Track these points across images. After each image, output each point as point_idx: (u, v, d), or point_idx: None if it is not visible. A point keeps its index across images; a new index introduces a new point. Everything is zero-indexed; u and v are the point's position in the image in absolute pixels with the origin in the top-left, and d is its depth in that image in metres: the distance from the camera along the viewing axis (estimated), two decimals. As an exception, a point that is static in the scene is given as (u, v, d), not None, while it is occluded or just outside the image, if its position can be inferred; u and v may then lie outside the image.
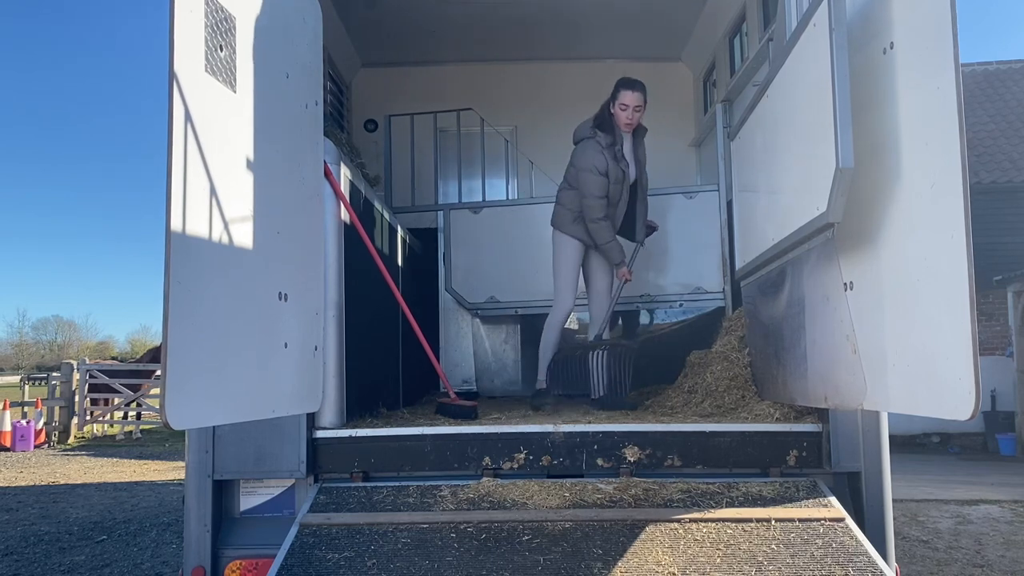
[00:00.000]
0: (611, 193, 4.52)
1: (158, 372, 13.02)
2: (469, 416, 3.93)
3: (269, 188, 2.82)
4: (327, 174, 3.37)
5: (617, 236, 4.62)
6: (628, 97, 4.46)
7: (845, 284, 2.72)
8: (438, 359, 5.15)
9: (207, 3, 2.47)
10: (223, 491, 3.26)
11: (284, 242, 2.92)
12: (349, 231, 3.59)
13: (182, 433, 3.30)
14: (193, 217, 2.32)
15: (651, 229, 4.93)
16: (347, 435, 3.32)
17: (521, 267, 5.61)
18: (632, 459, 3.24)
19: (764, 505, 3.00)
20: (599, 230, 4.50)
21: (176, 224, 2.23)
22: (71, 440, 15.25)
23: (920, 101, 2.25)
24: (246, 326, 2.61)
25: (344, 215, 3.52)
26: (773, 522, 2.88)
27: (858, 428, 3.15)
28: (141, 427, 16.34)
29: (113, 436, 16.19)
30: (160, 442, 15.16)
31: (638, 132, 4.67)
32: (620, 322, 6.09)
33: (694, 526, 2.89)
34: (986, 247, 12.10)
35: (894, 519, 3.45)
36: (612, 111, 4.53)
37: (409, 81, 6.90)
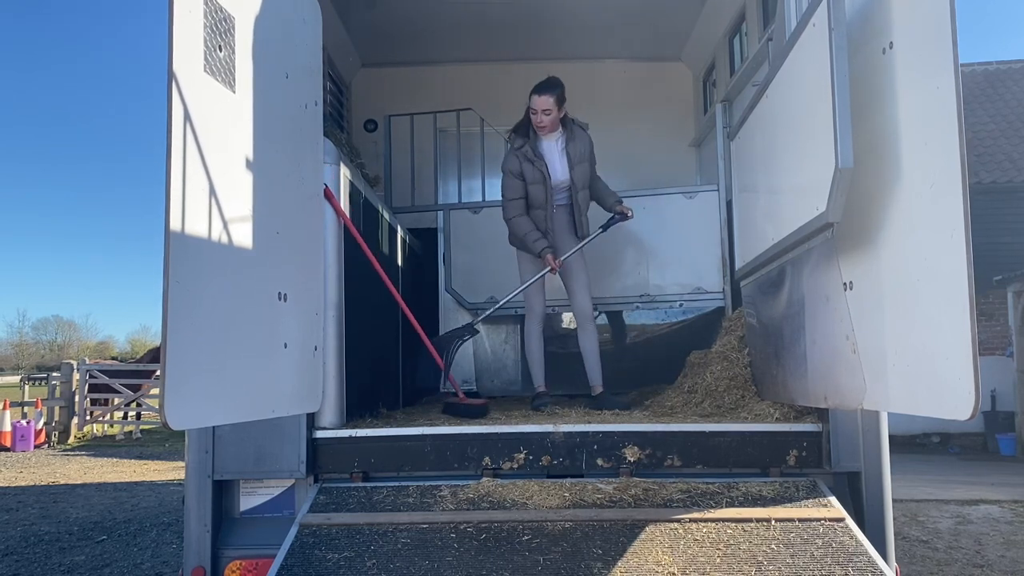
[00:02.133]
0: (532, 194, 4.58)
1: (158, 372, 13.02)
2: (479, 415, 3.91)
3: (269, 188, 2.82)
4: (327, 195, 3.35)
5: (537, 229, 4.53)
6: (534, 101, 4.56)
7: (845, 284, 2.72)
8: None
9: (206, 3, 2.47)
10: (223, 491, 3.26)
11: (284, 242, 2.92)
12: (349, 231, 3.59)
13: (182, 433, 3.29)
14: (192, 217, 2.32)
15: (621, 217, 4.68)
16: (347, 435, 3.31)
17: (521, 267, 5.61)
18: (632, 459, 3.24)
19: (764, 505, 3.00)
20: (512, 227, 4.64)
21: (175, 224, 2.23)
22: (71, 440, 15.25)
23: (919, 101, 2.25)
24: (246, 326, 2.61)
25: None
26: (773, 522, 2.88)
27: (858, 428, 3.14)
28: (141, 427, 16.34)
29: (113, 436, 16.20)
30: (160, 442, 15.16)
31: (570, 128, 4.65)
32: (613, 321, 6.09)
33: (694, 526, 2.88)
34: (986, 247, 12.08)
35: (894, 519, 3.45)
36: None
37: (409, 81, 6.90)
